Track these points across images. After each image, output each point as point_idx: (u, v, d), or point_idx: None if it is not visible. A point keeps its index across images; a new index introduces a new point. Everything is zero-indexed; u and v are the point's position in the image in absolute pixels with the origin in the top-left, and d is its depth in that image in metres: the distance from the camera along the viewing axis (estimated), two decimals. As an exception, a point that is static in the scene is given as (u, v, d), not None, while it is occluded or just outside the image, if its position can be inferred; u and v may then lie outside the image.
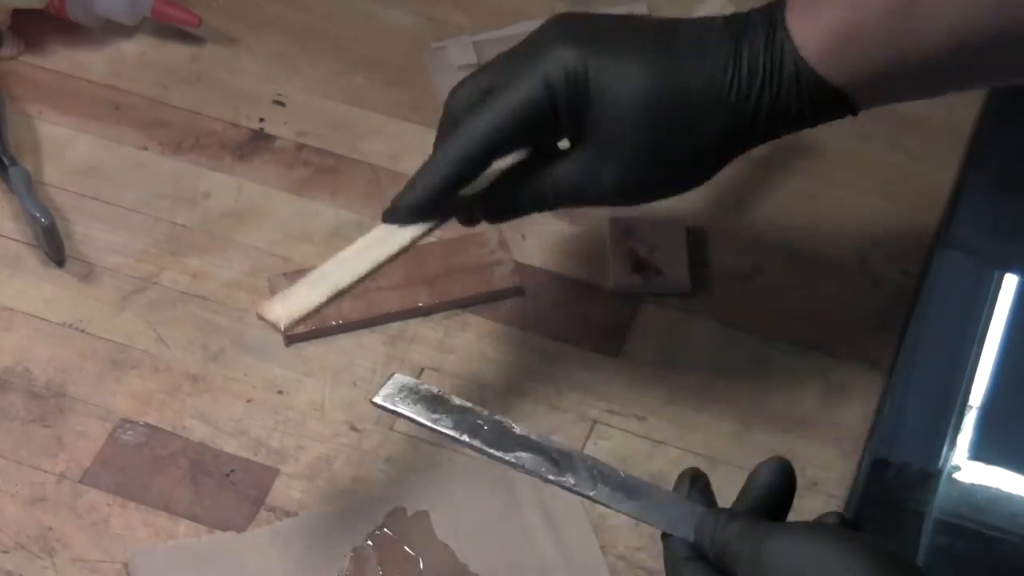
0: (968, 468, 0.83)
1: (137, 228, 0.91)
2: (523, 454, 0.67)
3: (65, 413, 0.83)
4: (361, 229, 0.91)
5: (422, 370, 0.85)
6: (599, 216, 0.91)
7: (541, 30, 0.74)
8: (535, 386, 0.85)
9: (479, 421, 0.68)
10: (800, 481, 0.80)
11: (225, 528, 0.78)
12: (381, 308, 0.87)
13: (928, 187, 0.94)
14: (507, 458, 0.67)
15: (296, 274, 0.88)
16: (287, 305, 0.76)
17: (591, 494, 0.67)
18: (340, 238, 0.91)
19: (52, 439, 0.82)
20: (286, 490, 0.80)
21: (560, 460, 0.67)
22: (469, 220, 0.78)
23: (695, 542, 0.66)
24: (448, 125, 0.76)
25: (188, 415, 0.83)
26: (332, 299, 0.76)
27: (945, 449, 0.80)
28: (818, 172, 0.95)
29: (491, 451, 0.68)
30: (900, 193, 0.93)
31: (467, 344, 0.86)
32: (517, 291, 0.88)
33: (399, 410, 0.69)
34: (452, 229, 0.91)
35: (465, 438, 0.68)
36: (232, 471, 0.81)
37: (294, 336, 0.86)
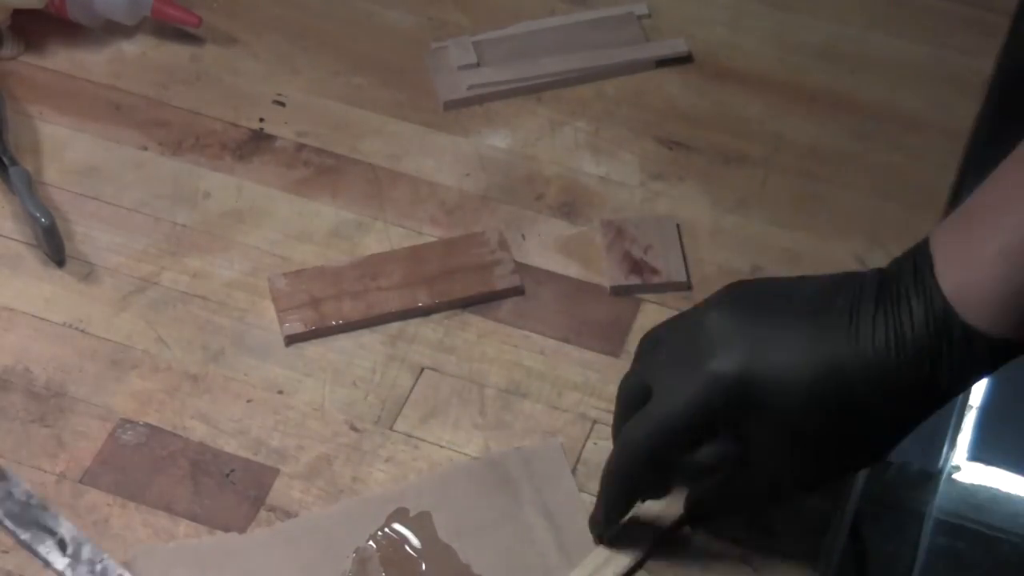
0: (968, 468, 0.83)
1: (137, 228, 0.91)
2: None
3: (65, 413, 0.83)
4: (361, 229, 0.91)
5: (422, 370, 0.85)
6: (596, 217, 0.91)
7: (714, 307, 0.71)
8: (535, 386, 0.85)
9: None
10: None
11: (225, 528, 0.79)
12: (381, 308, 0.87)
13: (928, 187, 0.94)
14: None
15: (296, 274, 0.88)
16: None
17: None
18: (340, 238, 0.91)
19: (52, 439, 0.82)
20: (286, 490, 0.80)
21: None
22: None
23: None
24: (617, 416, 0.75)
25: (188, 415, 0.83)
26: None
27: (945, 449, 0.80)
28: (818, 172, 0.95)
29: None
30: (900, 193, 0.93)
31: (467, 344, 0.86)
32: (517, 291, 0.88)
33: None
34: (452, 228, 0.91)
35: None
36: (232, 471, 0.81)
37: (294, 336, 0.86)
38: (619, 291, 0.88)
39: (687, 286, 0.88)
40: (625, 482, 0.73)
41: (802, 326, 0.69)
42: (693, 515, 0.76)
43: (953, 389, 0.68)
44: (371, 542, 0.78)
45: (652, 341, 0.74)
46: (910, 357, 0.67)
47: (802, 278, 0.72)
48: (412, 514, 0.79)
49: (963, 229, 0.68)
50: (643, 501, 0.76)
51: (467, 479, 0.80)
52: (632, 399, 0.73)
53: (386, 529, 0.78)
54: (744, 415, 0.69)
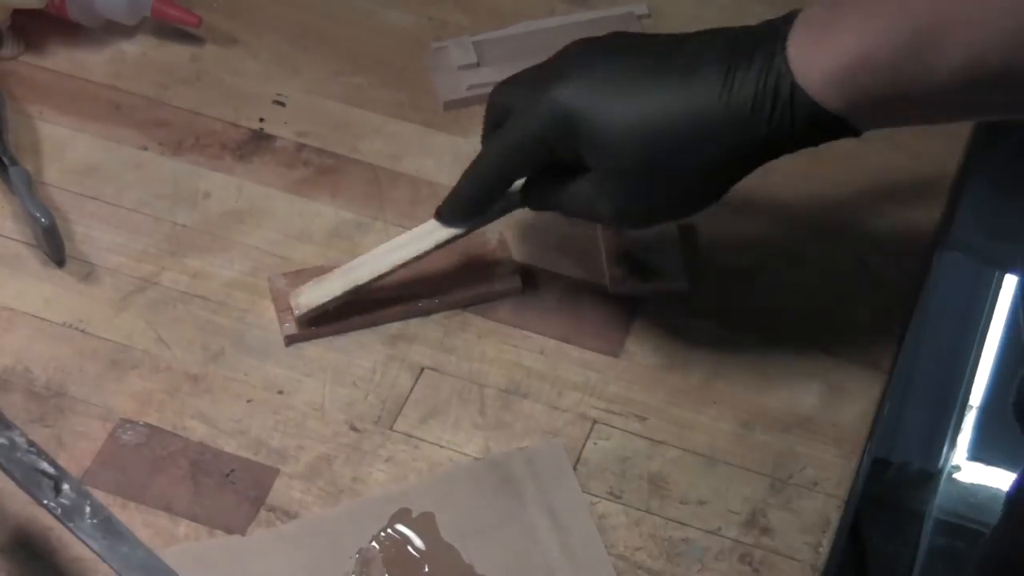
0: (968, 468, 0.83)
1: (137, 228, 0.91)
2: None
3: (65, 413, 0.83)
4: (361, 229, 0.91)
5: (422, 370, 0.85)
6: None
7: (554, 60, 0.79)
8: (535, 386, 0.85)
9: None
10: (800, 481, 0.81)
11: (225, 528, 0.79)
12: (381, 308, 0.87)
13: (928, 187, 0.94)
14: None
15: (296, 274, 0.88)
16: (310, 295, 0.85)
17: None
18: (340, 238, 0.91)
19: (52, 439, 0.82)
20: (286, 490, 0.80)
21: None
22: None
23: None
24: (486, 127, 0.83)
25: (188, 415, 0.83)
26: (356, 290, 0.85)
27: (945, 449, 0.80)
28: (818, 172, 0.95)
29: None
30: (900, 193, 0.93)
31: (467, 344, 0.86)
32: (517, 291, 0.88)
33: None
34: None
35: None
36: (232, 471, 0.81)
37: (294, 336, 0.86)
38: (619, 291, 0.88)
39: (687, 286, 0.88)
40: (483, 186, 0.83)
41: (642, 69, 0.76)
42: (529, 200, 0.84)
43: (772, 148, 0.74)
44: (374, 543, 0.78)
45: (512, 80, 0.82)
46: (736, 104, 0.73)
47: (656, 35, 0.79)
48: (415, 515, 0.79)
49: (826, 7, 0.73)
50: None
51: (470, 479, 0.80)
52: (493, 115, 0.82)
53: (389, 530, 0.78)
54: (578, 143, 0.77)
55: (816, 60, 0.71)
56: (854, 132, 0.73)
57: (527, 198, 0.84)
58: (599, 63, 0.77)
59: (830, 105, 0.72)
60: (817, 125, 0.73)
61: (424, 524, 0.78)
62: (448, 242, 0.85)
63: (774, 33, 0.73)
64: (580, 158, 0.78)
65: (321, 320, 0.86)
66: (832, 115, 0.72)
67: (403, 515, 0.78)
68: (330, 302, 0.85)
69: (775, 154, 0.75)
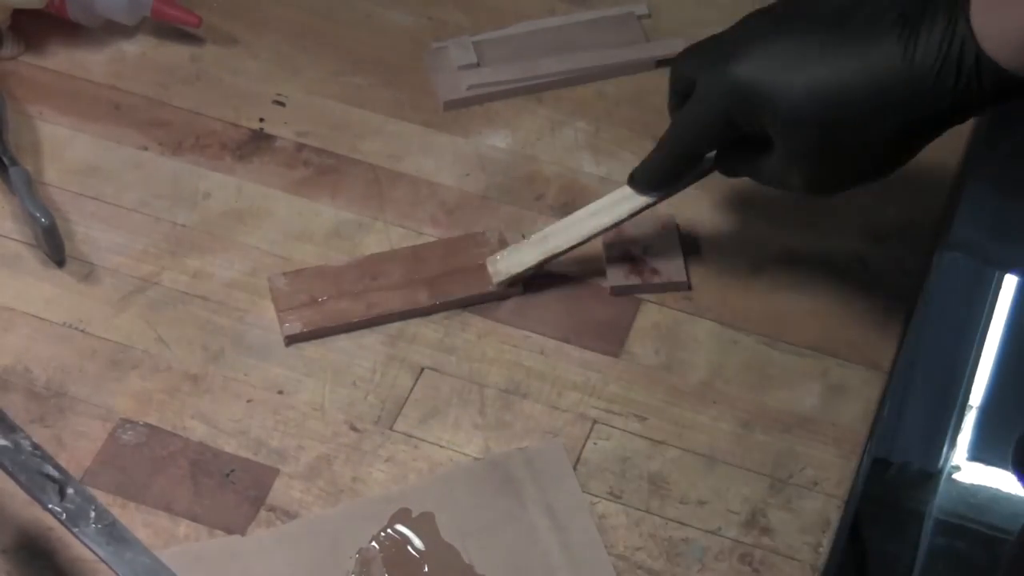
0: (968, 468, 0.83)
1: (137, 228, 0.91)
2: None
3: (65, 413, 0.83)
4: (361, 229, 0.91)
5: (422, 370, 0.85)
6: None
7: (733, 32, 0.80)
8: (535, 386, 0.85)
9: None
10: (800, 481, 0.81)
11: (225, 528, 0.79)
12: (381, 308, 0.87)
13: (928, 187, 0.94)
14: None
15: (296, 274, 0.88)
16: (507, 262, 0.87)
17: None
18: (340, 238, 0.91)
19: (52, 439, 0.82)
20: (286, 490, 0.80)
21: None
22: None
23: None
24: (672, 97, 0.84)
25: (188, 415, 0.83)
26: (552, 258, 0.87)
27: (945, 449, 0.80)
28: (818, 172, 0.95)
29: None
30: (900, 193, 0.93)
31: (467, 344, 0.86)
32: (517, 291, 0.88)
33: None
34: (452, 228, 0.91)
35: None
36: (232, 471, 0.81)
37: (294, 336, 0.86)
38: (619, 291, 0.88)
39: (687, 286, 0.88)
40: (671, 159, 0.84)
41: (821, 37, 0.75)
42: (723, 169, 0.85)
43: (957, 114, 0.74)
44: (374, 543, 0.78)
45: (693, 51, 0.83)
46: (918, 73, 0.72)
47: (827, 2, 0.77)
48: (415, 515, 0.79)
49: None
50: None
51: (469, 480, 0.80)
52: (679, 86, 0.83)
53: (389, 530, 0.78)
54: (762, 119, 0.77)
55: (1001, 25, 0.70)
56: None
57: (721, 166, 0.85)
58: (776, 35, 0.77)
59: (1019, 69, 0.71)
60: (1004, 90, 0.72)
61: (424, 524, 0.78)
62: (642, 210, 0.86)
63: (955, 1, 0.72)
64: (765, 133, 0.78)
65: (323, 314, 0.86)
66: (1021, 79, 0.71)
67: (403, 515, 0.78)
68: (526, 271, 0.87)
69: (961, 119, 0.75)
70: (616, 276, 0.89)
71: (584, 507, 0.79)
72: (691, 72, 0.81)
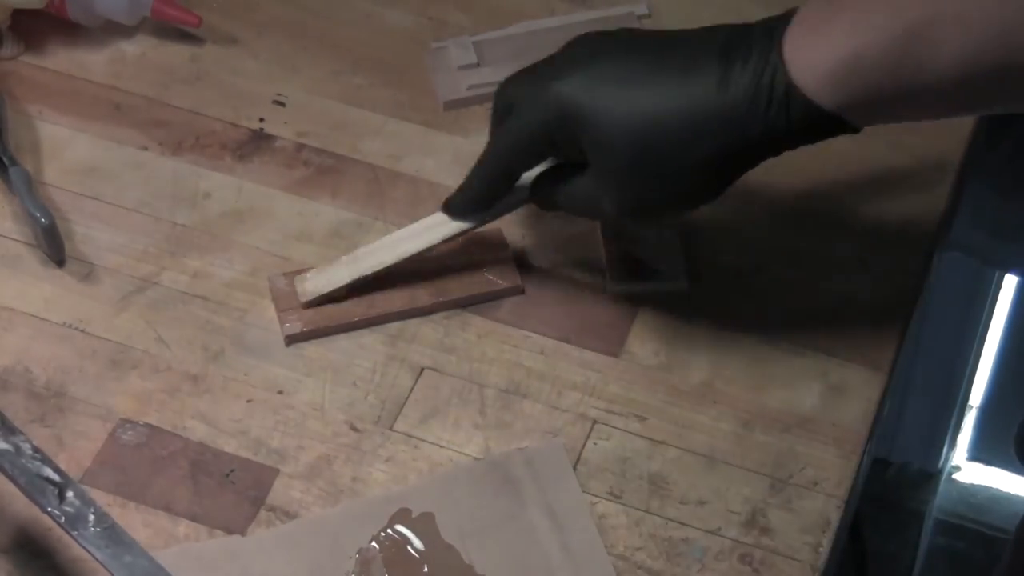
0: (968, 468, 0.83)
1: (137, 228, 0.91)
2: None
3: (65, 413, 0.83)
4: (361, 229, 0.91)
5: (422, 370, 0.85)
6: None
7: (558, 55, 0.80)
8: (535, 386, 0.85)
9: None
10: (800, 481, 0.81)
11: (225, 528, 0.79)
12: (381, 308, 0.87)
13: (928, 187, 0.94)
14: None
15: (296, 274, 0.88)
16: (315, 282, 0.86)
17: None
18: (340, 238, 0.91)
19: (52, 439, 0.82)
20: (286, 490, 0.80)
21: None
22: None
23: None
24: (493, 122, 0.84)
25: (188, 415, 0.83)
26: (362, 280, 0.86)
27: (945, 449, 0.80)
28: (818, 171, 0.95)
29: None
30: (900, 193, 0.93)
31: (467, 344, 0.86)
32: (517, 291, 0.88)
33: None
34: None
35: None
36: (232, 471, 0.81)
37: (294, 336, 0.86)
38: (619, 291, 0.88)
39: (687, 286, 0.88)
40: (486, 180, 0.84)
41: (639, 67, 0.77)
42: (538, 198, 0.85)
43: (769, 145, 0.75)
44: (374, 543, 0.78)
45: (518, 75, 0.83)
46: (731, 100, 0.73)
47: (659, 31, 0.80)
48: (415, 515, 0.79)
49: (823, 6, 0.73)
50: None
51: (469, 480, 0.80)
52: (499, 110, 0.83)
53: (388, 530, 0.78)
54: (578, 137, 0.77)
55: (810, 57, 0.72)
56: (852, 129, 0.74)
57: (534, 195, 0.84)
58: (601, 58, 0.78)
59: (825, 102, 0.72)
60: (813, 122, 0.73)
61: (424, 524, 0.78)
62: (456, 236, 0.86)
63: (770, 31, 0.74)
64: (582, 154, 0.78)
65: (323, 314, 0.86)
66: (828, 112, 0.72)
67: (403, 515, 0.78)
68: (336, 291, 0.86)
69: (773, 151, 0.76)
70: (615, 278, 0.89)
71: (584, 507, 0.79)
72: (513, 93, 0.81)
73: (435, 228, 0.86)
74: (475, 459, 0.81)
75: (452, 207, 0.86)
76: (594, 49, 0.79)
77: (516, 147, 0.81)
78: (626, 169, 0.77)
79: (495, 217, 0.86)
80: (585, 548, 0.78)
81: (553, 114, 0.78)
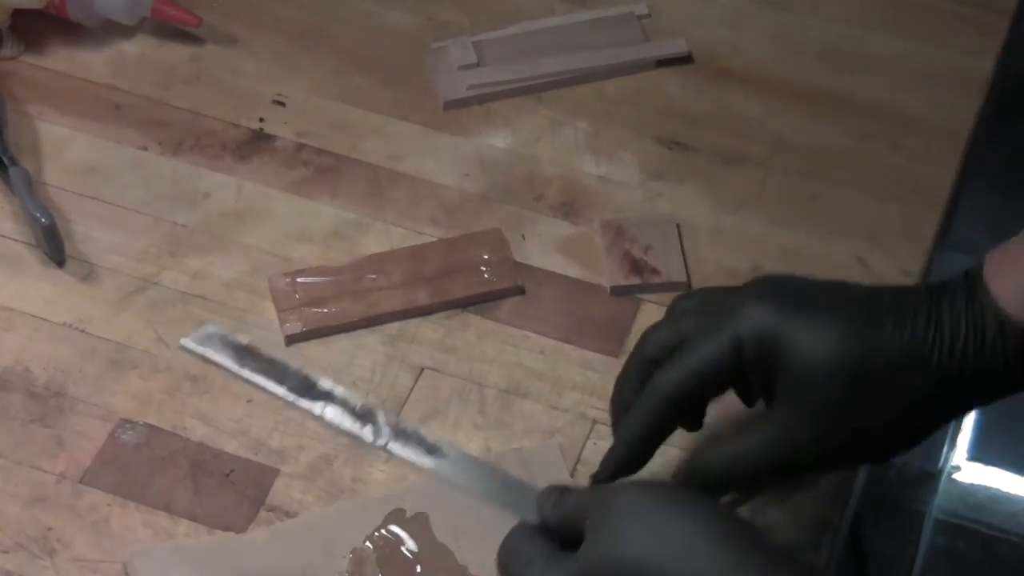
0: (968, 468, 0.83)
1: (137, 228, 0.91)
2: (327, 406, 0.71)
3: (65, 413, 0.83)
4: (361, 229, 0.91)
5: (422, 370, 0.85)
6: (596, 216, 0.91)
7: (742, 289, 0.73)
8: (535, 386, 0.85)
9: (287, 372, 0.71)
10: (800, 481, 0.81)
11: (225, 528, 0.78)
12: (381, 308, 0.87)
13: (928, 187, 0.94)
14: (311, 408, 0.70)
15: (296, 273, 0.88)
16: None
17: (385, 444, 0.70)
18: (340, 238, 0.91)
19: (52, 439, 0.82)
20: (286, 490, 0.80)
21: (363, 415, 0.71)
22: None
23: (539, 518, 0.67)
24: (637, 365, 0.74)
25: (188, 415, 0.83)
26: None
27: (945, 449, 0.80)
28: (818, 172, 0.95)
29: (296, 400, 0.71)
30: (900, 193, 0.93)
31: (467, 344, 0.86)
32: (517, 291, 0.88)
33: (207, 355, 0.72)
34: (452, 228, 0.91)
35: (271, 385, 0.71)
36: (232, 471, 0.81)
37: (294, 336, 0.86)
38: (619, 291, 0.88)
39: (687, 286, 0.88)
40: (655, 422, 0.73)
41: (848, 299, 0.71)
42: (695, 465, 0.74)
43: (980, 383, 0.70)
44: (368, 543, 0.77)
45: (685, 302, 0.75)
46: (946, 340, 0.69)
47: (842, 282, 0.73)
48: (409, 515, 0.78)
49: (1017, 245, 0.70)
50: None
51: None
52: (659, 348, 0.73)
53: (383, 530, 0.78)
54: (771, 369, 0.70)
55: (1012, 286, 0.69)
56: None
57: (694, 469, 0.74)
58: (800, 291, 0.72)
59: None
60: None
61: (418, 524, 0.78)
62: None
63: (970, 272, 0.71)
64: (767, 388, 0.71)
65: (322, 314, 0.86)
66: None
67: (397, 515, 0.78)
68: None
69: (981, 395, 0.72)
70: (616, 276, 0.89)
71: None
72: (693, 316, 0.74)
73: None
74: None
75: (601, 474, 0.74)
76: (789, 284, 0.72)
77: (695, 377, 0.71)
78: (831, 404, 0.70)
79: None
80: None
81: (749, 341, 0.70)
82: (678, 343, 0.72)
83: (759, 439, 0.71)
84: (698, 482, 0.72)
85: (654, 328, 0.75)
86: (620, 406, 0.74)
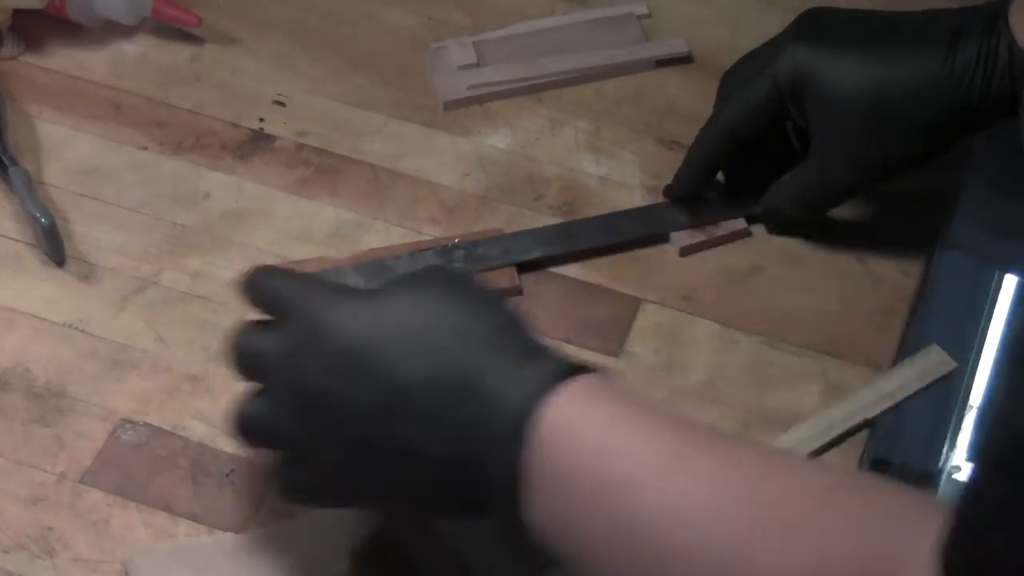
0: (968, 468, 0.83)
1: (137, 228, 0.91)
2: None
3: (65, 413, 0.83)
4: (361, 229, 0.91)
5: (422, 370, 0.85)
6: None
7: (787, 28, 0.86)
8: (535, 386, 0.84)
9: None
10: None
11: (225, 528, 0.78)
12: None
13: (928, 187, 0.94)
14: None
15: (294, 266, 0.88)
16: None
17: None
18: (340, 238, 0.91)
19: (52, 439, 0.82)
20: (286, 490, 0.80)
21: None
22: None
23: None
24: (716, 105, 0.90)
25: (188, 415, 0.83)
26: None
27: (945, 449, 0.80)
28: (818, 172, 0.95)
29: None
30: (900, 193, 0.93)
31: (467, 344, 0.86)
32: (516, 291, 0.88)
33: None
34: (452, 228, 0.91)
35: None
36: (232, 471, 0.81)
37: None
38: (687, 251, 0.90)
39: (748, 232, 0.91)
40: (708, 147, 0.88)
41: (870, 32, 0.83)
42: (768, 209, 0.89)
43: (990, 107, 0.80)
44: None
45: (743, 59, 0.89)
46: (959, 66, 0.80)
47: (878, 11, 0.85)
48: None
49: None
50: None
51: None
52: (728, 87, 0.89)
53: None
54: (809, 100, 0.83)
55: None
56: None
57: (767, 206, 0.90)
58: (831, 27, 0.84)
59: None
60: None
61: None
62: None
63: (994, 7, 0.80)
64: (806, 120, 0.84)
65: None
66: None
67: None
68: None
69: (991, 116, 0.81)
70: (682, 238, 0.89)
71: None
72: (741, 68, 0.88)
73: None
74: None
75: (672, 188, 0.90)
76: (823, 19, 0.85)
77: (744, 112, 0.85)
78: (857, 129, 0.82)
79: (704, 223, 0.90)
80: None
81: (784, 78, 0.83)
82: (743, 80, 0.86)
83: (808, 172, 0.86)
84: (775, 220, 0.89)
85: (726, 74, 0.90)
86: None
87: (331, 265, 0.88)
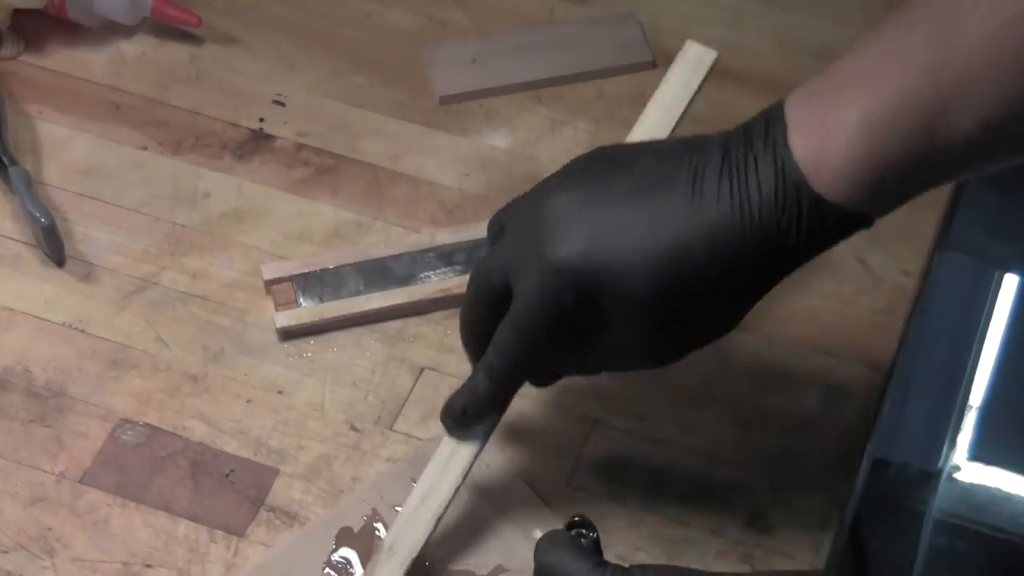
0: (968, 468, 0.83)
1: (137, 228, 0.91)
2: None
3: (65, 413, 0.83)
4: (361, 229, 0.91)
5: (422, 370, 0.85)
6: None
7: (544, 210, 0.70)
8: (535, 386, 0.85)
9: None
10: (800, 481, 0.81)
11: (225, 528, 0.78)
12: (381, 307, 0.87)
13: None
14: None
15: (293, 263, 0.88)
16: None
17: None
18: (340, 238, 0.91)
19: (52, 439, 0.82)
20: (286, 490, 0.80)
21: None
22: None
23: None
24: (472, 308, 0.75)
25: (188, 415, 0.83)
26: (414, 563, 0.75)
27: (945, 449, 0.80)
28: (818, 172, 0.95)
29: None
30: (900, 193, 0.93)
31: (467, 344, 0.86)
32: (517, 291, 0.88)
33: None
34: (452, 228, 0.91)
35: None
36: (232, 471, 0.81)
37: (288, 330, 0.86)
38: None
39: None
40: (507, 383, 0.75)
41: (643, 202, 0.68)
42: (538, 378, 0.77)
43: (802, 257, 0.68)
44: (327, 570, 0.76)
45: (498, 223, 0.75)
46: (756, 225, 0.66)
47: (647, 144, 0.72)
48: (356, 531, 0.78)
49: (823, 92, 0.66)
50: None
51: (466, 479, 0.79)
52: (489, 289, 0.73)
53: (335, 555, 0.77)
54: (595, 300, 0.69)
55: (824, 161, 0.65)
56: (868, 223, 0.69)
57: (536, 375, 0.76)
58: (594, 205, 0.69)
59: (852, 205, 0.66)
60: (844, 224, 0.68)
61: (365, 539, 0.77)
62: (470, 468, 0.76)
63: (772, 128, 0.67)
64: (598, 316, 0.70)
65: (320, 311, 0.86)
66: (848, 211, 0.67)
67: (345, 535, 0.78)
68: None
69: (795, 261, 0.70)
70: None
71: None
72: (505, 271, 0.72)
73: (448, 469, 0.76)
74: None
75: (467, 415, 0.76)
76: (588, 190, 0.70)
77: (537, 330, 0.71)
78: (659, 317, 0.69)
79: (488, 436, 0.78)
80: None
81: (563, 286, 0.69)
82: (504, 285, 0.72)
83: (585, 364, 0.73)
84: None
85: (481, 262, 0.75)
86: (473, 339, 0.76)
87: (331, 265, 0.88)
